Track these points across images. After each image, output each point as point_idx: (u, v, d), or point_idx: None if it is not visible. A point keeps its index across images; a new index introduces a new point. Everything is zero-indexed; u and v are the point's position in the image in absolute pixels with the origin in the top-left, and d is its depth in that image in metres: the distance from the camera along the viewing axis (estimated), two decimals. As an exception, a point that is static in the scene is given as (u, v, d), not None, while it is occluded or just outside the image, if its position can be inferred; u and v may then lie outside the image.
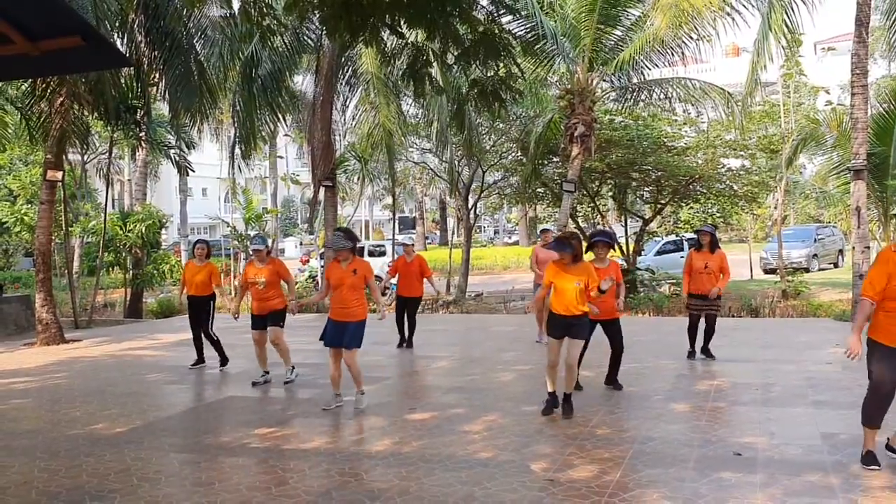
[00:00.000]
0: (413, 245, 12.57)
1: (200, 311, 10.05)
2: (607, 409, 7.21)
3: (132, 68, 13.94)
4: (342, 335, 7.26)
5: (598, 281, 6.97)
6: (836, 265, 29.28)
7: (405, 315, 11.53)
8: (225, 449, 6.30)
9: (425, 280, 11.60)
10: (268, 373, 9.07)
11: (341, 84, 18.07)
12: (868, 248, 13.85)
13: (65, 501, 5.10)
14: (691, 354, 9.74)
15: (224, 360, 10.12)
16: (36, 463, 5.98)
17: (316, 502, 4.94)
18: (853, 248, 14.02)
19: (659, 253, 24.27)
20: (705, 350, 9.74)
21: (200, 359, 10.26)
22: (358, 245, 7.85)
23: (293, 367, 9.04)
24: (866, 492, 4.82)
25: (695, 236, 11.40)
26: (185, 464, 5.92)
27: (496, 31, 7.19)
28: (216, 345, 10.07)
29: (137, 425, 7.18)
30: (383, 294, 17.31)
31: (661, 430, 6.40)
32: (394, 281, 12.05)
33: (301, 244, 38.77)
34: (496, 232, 68.33)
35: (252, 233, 24.18)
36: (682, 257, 24.53)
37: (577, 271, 6.88)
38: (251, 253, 9.32)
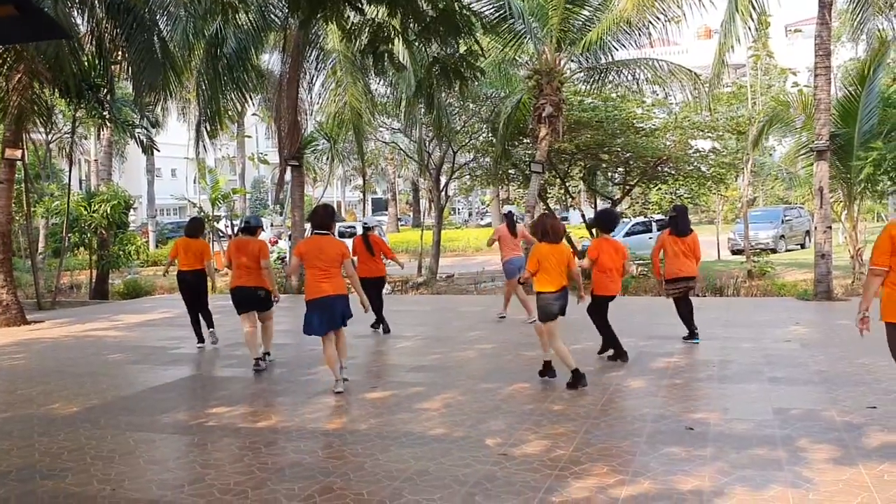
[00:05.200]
0: (374, 228, 11.69)
1: (199, 286, 10.00)
2: (565, 386, 7.26)
3: (94, 45, 13.69)
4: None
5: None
6: (802, 246, 29.70)
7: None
8: (181, 427, 6.27)
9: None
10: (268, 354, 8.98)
11: (308, 62, 17.89)
12: (830, 228, 14.04)
13: (15, 480, 5.05)
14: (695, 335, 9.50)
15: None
16: (-13, 443, 5.92)
17: (269, 479, 4.94)
18: (815, 228, 14.21)
19: (628, 234, 24.44)
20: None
21: (202, 338, 10.18)
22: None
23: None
24: (811, 464, 4.92)
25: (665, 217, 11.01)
26: (141, 442, 5.88)
27: (456, 9, 7.13)
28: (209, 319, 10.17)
29: (94, 404, 7.12)
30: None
31: (616, 406, 6.48)
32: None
33: (272, 225, 38.51)
34: (470, 214, 68.32)
35: (221, 213, 24.04)
36: (650, 238, 24.88)
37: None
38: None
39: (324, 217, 7.45)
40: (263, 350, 8.76)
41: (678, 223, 9.23)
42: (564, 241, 7.57)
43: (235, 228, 26.70)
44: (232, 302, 8.69)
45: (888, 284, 5.11)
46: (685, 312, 9.43)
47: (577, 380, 7.10)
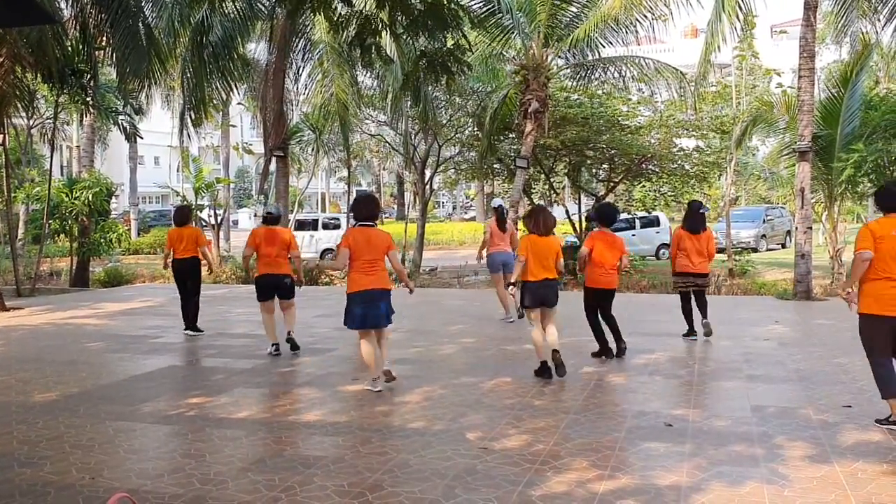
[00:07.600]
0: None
1: (195, 272, 10.08)
2: (546, 381, 7.29)
3: (78, 31, 13.57)
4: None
5: None
6: (783, 245, 29.99)
7: None
8: (161, 417, 6.25)
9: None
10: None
11: (295, 52, 17.82)
12: (811, 228, 14.18)
13: (-8, 468, 5.02)
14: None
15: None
16: (-36, 430, 5.87)
17: (250, 469, 4.93)
18: (796, 228, 14.35)
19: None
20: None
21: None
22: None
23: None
24: (787, 461, 4.98)
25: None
26: (120, 431, 5.85)
27: (444, 2, 7.14)
28: None
29: (74, 393, 7.08)
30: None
31: (596, 402, 6.52)
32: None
33: (255, 215, 38.32)
34: (454, 208, 68.35)
35: (204, 202, 23.91)
36: (633, 235, 25.02)
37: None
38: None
39: (368, 207, 7.19)
40: (287, 329, 8.77)
41: (687, 220, 9.58)
42: (554, 234, 7.69)
43: (220, 218, 26.60)
44: (256, 289, 8.91)
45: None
46: (686, 308, 9.60)
47: (541, 371, 7.37)
